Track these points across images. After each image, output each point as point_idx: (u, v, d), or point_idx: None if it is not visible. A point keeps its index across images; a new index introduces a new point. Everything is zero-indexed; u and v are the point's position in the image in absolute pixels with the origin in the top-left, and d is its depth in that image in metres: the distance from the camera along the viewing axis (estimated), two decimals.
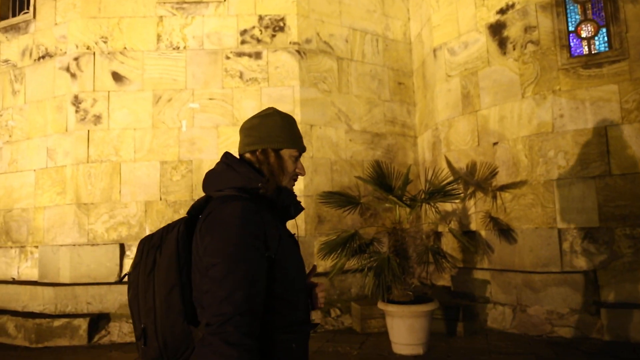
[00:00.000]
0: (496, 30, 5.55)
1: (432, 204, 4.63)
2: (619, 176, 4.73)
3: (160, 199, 5.88)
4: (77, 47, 6.06)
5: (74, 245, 5.74)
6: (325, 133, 6.36)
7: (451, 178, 4.81)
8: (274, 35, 6.22)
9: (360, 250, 4.66)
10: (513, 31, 5.38)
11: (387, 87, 7.04)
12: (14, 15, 6.91)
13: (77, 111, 5.94)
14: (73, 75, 6.04)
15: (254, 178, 1.35)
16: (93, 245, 5.75)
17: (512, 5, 5.40)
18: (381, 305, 4.52)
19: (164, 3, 6.11)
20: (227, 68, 6.12)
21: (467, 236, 5.79)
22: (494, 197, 5.47)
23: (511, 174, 5.32)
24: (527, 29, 5.26)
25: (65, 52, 6.13)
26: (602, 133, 4.81)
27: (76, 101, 5.96)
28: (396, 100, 7.11)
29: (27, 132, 6.35)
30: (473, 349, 4.56)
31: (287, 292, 1.31)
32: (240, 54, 6.16)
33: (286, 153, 1.42)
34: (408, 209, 4.62)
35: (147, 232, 5.80)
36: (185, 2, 6.14)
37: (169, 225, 1.35)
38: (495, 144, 5.51)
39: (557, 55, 5.10)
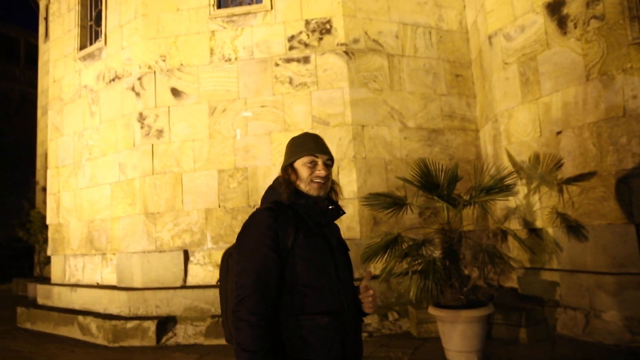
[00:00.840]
0: (554, 8, 5.07)
1: (478, 203, 4.32)
2: None
3: (219, 206, 6.12)
4: (140, 67, 6.52)
5: (143, 252, 6.17)
6: (378, 133, 6.22)
7: (504, 173, 4.46)
8: (321, 39, 6.22)
9: (409, 253, 4.47)
10: (573, 7, 4.88)
11: (443, 80, 6.72)
12: (90, 44, 7.61)
13: (142, 127, 6.39)
14: (137, 94, 6.50)
15: (279, 193, 1.70)
16: (160, 252, 6.13)
17: None
18: (431, 310, 4.31)
19: (215, 18, 6.37)
20: (276, 75, 6.23)
21: (533, 234, 5.36)
22: (560, 191, 4.99)
23: (578, 165, 4.82)
24: (590, 3, 4.74)
25: (131, 73, 6.62)
26: None
27: (141, 118, 6.41)
28: (454, 94, 6.77)
29: (103, 149, 6.95)
30: (536, 358, 4.20)
31: (297, 283, 1.55)
32: (288, 60, 6.23)
33: (299, 163, 1.71)
34: (456, 209, 4.36)
35: (209, 239, 6.07)
36: (235, 15, 6.35)
37: None
38: (558, 133, 5.03)
39: (627, 29, 4.52)
